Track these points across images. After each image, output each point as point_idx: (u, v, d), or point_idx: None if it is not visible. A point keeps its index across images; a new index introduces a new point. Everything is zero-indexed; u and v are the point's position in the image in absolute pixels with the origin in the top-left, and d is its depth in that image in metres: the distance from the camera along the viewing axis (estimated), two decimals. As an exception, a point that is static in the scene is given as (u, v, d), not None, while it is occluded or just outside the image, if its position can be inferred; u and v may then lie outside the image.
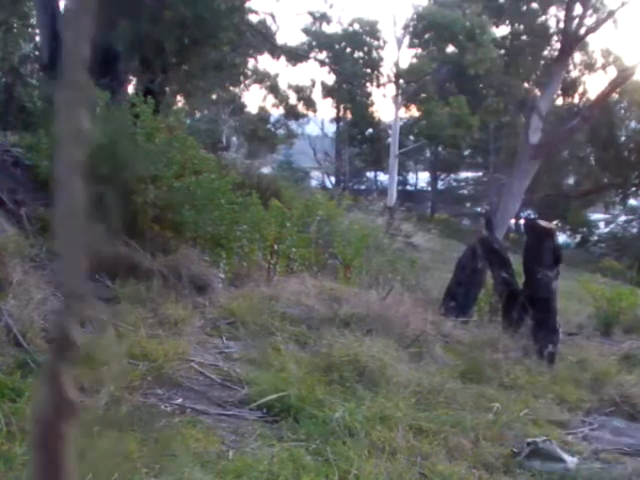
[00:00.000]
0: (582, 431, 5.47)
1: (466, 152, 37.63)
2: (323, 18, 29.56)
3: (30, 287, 5.06)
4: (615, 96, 22.32)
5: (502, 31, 30.73)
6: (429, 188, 39.87)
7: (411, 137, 34.44)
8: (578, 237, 32.26)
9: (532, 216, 28.39)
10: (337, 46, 33.17)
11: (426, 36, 29.28)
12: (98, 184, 5.73)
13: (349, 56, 33.07)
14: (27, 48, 15.64)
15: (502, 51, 29.42)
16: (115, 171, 6.99)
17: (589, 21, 17.27)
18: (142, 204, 6.87)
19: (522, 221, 24.69)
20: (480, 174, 39.03)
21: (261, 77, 33.44)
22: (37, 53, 14.20)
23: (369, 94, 34.94)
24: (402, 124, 32.49)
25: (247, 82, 30.53)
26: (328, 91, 35.54)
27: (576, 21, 16.54)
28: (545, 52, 29.53)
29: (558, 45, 21.72)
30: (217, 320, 6.19)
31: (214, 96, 24.86)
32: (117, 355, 4.64)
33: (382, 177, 36.91)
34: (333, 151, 38.03)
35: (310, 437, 4.14)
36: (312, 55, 31.78)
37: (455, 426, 4.69)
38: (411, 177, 40.89)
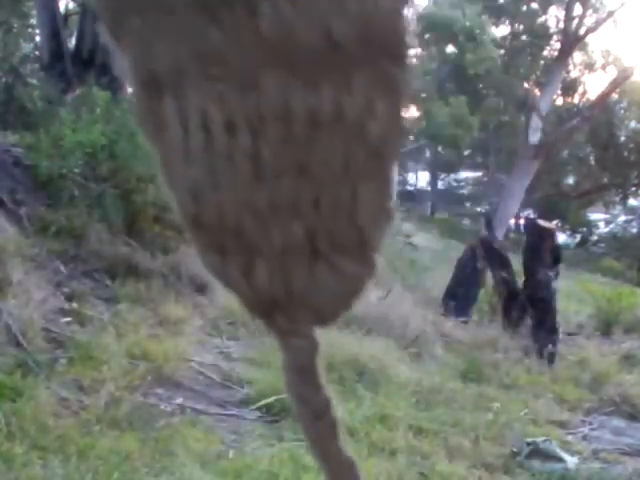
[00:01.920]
0: (582, 431, 5.47)
1: (466, 152, 37.60)
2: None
3: (30, 287, 5.06)
4: (615, 96, 22.33)
5: (502, 31, 30.71)
6: (429, 188, 39.87)
7: (411, 137, 34.44)
8: (578, 237, 32.25)
9: (532, 216, 28.39)
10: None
11: (426, 36, 29.28)
12: (99, 184, 5.72)
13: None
14: (27, 48, 15.64)
15: (502, 51, 29.38)
16: (115, 171, 6.99)
17: (589, 21, 17.27)
18: (142, 204, 6.87)
19: (522, 221, 24.68)
20: (480, 174, 38.99)
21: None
22: (37, 53, 14.20)
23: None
24: (402, 124, 32.48)
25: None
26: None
27: (576, 21, 16.54)
28: (545, 52, 29.52)
29: (558, 45, 21.71)
30: (217, 320, 6.19)
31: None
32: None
33: (382, 177, 36.85)
34: (333, 151, 38.03)
35: (310, 437, 4.14)
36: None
37: (455, 426, 4.69)
38: (411, 177, 40.88)
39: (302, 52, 0.33)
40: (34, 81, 10.78)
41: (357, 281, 0.40)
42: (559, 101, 26.64)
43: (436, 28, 27.76)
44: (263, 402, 4.57)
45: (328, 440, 0.42)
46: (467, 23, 26.77)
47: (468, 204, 39.09)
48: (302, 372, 0.42)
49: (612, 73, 21.89)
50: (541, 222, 8.19)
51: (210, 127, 0.35)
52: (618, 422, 5.81)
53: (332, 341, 5.80)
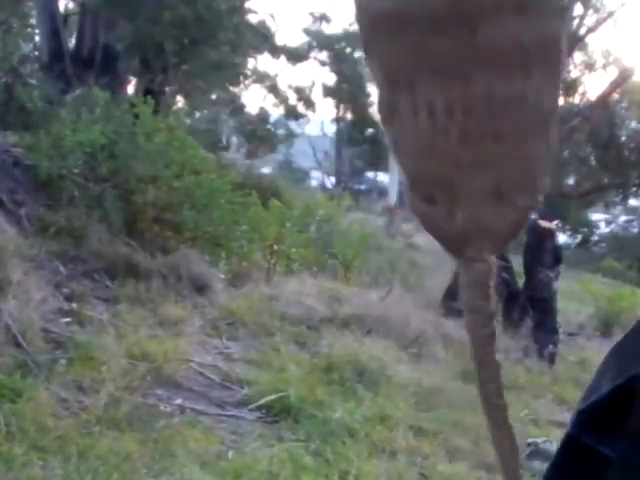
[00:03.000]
0: (582, 431, 5.46)
1: (466, 152, 37.60)
2: (323, 18, 29.53)
3: (30, 287, 5.06)
4: (615, 96, 22.32)
5: (502, 31, 30.73)
6: (429, 188, 39.84)
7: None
8: (578, 237, 32.26)
9: (532, 216, 28.34)
10: (337, 46, 33.16)
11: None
12: (99, 184, 5.72)
13: (349, 56, 33.07)
14: (27, 48, 15.64)
15: (502, 51, 29.40)
16: (115, 171, 6.99)
17: (589, 21, 17.25)
18: (142, 204, 6.87)
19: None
20: (480, 174, 39.03)
21: (261, 77, 33.44)
22: (37, 53, 14.20)
23: (369, 94, 34.93)
24: (402, 124, 32.49)
25: (247, 82, 30.51)
26: (328, 91, 35.54)
27: (576, 21, 16.53)
28: (545, 52, 29.55)
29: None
30: (217, 320, 6.19)
31: (214, 96, 24.85)
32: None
33: (382, 177, 36.90)
34: (333, 151, 38.02)
35: (310, 437, 4.14)
36: (312, 55, 31.78)
37: (455, 426, 4.68)
38: (411, 177, 40.86)
39: (502, 55, 0.50)
40: (34, 81, 10.79)
41: (526, 212, 0.56)
42: (559, 101, 26.66)
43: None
44: (263, 402, 4.56)
45: (488, 343, 0.59)
46: (467, 23, 26.77)
47: (468, 204, 39.09)
48: (480, 288, 0.58)
49: (612, 73, 21.87)
50: (541, 222, 8.18)
51: (433, 111, 0.51)
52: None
53: (332, 341, 5.80)
